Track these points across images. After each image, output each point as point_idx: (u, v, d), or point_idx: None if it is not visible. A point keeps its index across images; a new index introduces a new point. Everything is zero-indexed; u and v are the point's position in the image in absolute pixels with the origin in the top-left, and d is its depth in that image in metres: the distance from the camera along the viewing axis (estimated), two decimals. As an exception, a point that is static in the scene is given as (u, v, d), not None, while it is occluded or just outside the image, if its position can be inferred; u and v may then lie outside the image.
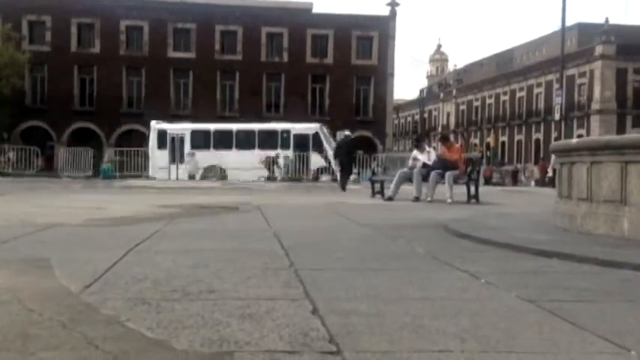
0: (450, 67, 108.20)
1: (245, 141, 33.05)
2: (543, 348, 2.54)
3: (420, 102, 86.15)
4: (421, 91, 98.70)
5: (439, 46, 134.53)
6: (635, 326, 2.93)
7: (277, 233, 6.52)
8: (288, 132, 33.65)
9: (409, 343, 2.57)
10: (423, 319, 2.95)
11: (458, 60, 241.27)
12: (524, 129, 60.48)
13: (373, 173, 17.58)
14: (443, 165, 13.35)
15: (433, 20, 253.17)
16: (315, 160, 32.69)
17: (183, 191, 17.74)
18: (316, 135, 33.14)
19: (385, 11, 50.29)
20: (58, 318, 2.84)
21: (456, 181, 13.29)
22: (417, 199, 13.12)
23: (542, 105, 56.60)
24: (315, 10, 49.87)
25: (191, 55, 47.90)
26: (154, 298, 3.28)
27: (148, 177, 31.38)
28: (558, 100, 29.40)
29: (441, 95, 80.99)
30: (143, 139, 42.12)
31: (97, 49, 47.47)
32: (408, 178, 13.88)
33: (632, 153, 6.11)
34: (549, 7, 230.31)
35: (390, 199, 13.40)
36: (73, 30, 47.15)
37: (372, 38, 49.49)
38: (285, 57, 48.75)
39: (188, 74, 47.96)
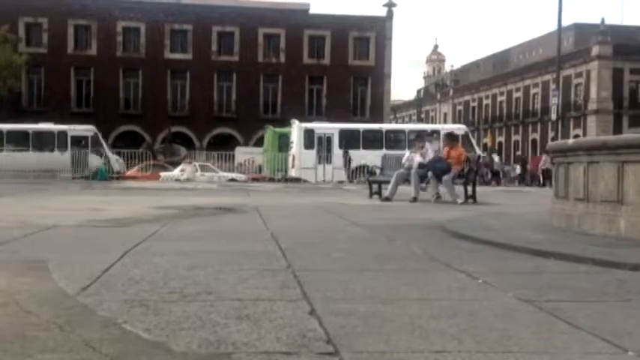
0: (447, 67, 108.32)
1: (395, 141, 32.05)
2: (540, 348, 2.55)
3: (417, 103, 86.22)
4: (418, 91, 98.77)
5: (436, 47, 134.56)
6: (632, 326, 2.94)
7: (275, 234, 6.52)
8: (437, 132, 33.32)
9: (406, 343, 2.57)
10: (420, 319, 2.96)
11: (455, 60, 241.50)
12: (521, 129, 60.57)
13: (371, 174, 17.58)
14: (439, 165, 13.36)
15: (430, 21, 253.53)
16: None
17: (182, 192, 17.72)
18: (466, 135, 32.04)
19: (382, 12, 50.41)
20: (56, 320, 2.84)
21: (454, 181, 13.33)
22: (414, 199, 13.14)
23: (538, 105, 56.69)
24: (312, 10, 49.95)
25: (188, 56, 47.91)
26: (151, 300, 3.28)
27: (288, 178, 31.04)
28: (555, 101, 29.44)
29: (438, 96, 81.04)
30: (141, 141, 42.21)
31: (93, 50, 47.47)
32: (405, 179, 13.89)
33: (629, 153, 6.12)
34: (546, 8, 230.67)
35: (388, 199, 13.41)
36: (70, 32, 47.14)
37: (369, 39, 49.56)
38: (282, 58, 48.78)
39: (185, 75, 47.97)
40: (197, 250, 5.29)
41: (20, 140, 34.46)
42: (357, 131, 33.32)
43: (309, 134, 32.73)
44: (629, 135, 10.40)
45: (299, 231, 7.09)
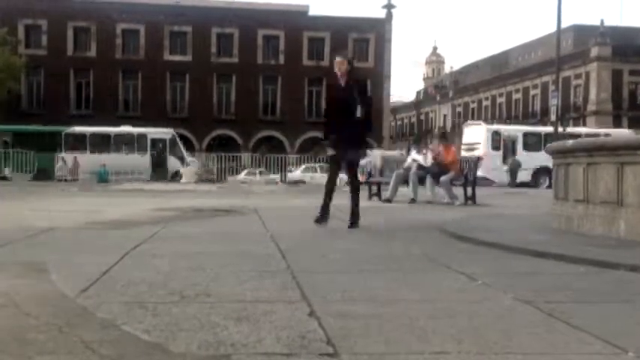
0: (447, 69, 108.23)
1: None
2: (540, 349, 2.55)
3: (417, 104, 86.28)
4: (418, 93, 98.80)
5: (435, 48, 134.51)
6: (631, 327, 2.94)
7: (274, 236, 6.52)
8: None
9: (406, 344, 2.57)
10: (419, 320, 2.96)
11: (454, 62, 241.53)
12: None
13: (369, 175, 17.57)
14: (438, 169, 13.38)
15: (429, 22, 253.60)
16: None
17: (181, 194, 17.72)
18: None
19: (381, 14, 50.47)
20: (55, 322, 2.84)
21: (452, 182, 13.34)
22: (413, 200, 13.14)
23: (538, 106, 56.70)
24: (312, 12, 49.97)
25: (187, 58, 47.93)
26: (150, 302, 3.28)
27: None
28: (554, 102, 29.39)
29: (438, 97, 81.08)
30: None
31: (93, 52, 47.50)
32: (404, 179, 13.89)
33: (628, 154, 6.13)
34: (545, 9, 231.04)
35: (389, 200, 13.41)
36: (69, 33, 47.17)
37: (368, 40, 49.60)
38: (282, 59, 48.81)
39: (184, 77, 47.99)
40: (196, 251, 5.29)
41: (102, 142, 35.17)
42: (538, 134, 34.00)
43: (495, 136, 33.61)
44: (628, 136, 10.40)
45: (298, 232, 7.09)
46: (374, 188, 15.07)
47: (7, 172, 32.78)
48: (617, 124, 49.65)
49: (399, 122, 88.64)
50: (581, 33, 59.20)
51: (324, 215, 7.70)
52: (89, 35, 47.59)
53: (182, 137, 46.57)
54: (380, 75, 49.41)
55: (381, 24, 49.83)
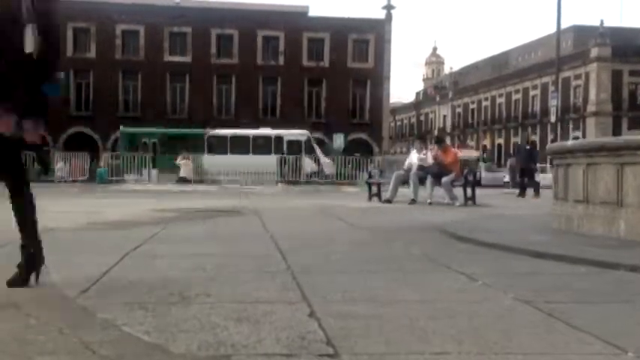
0: (446, 69, 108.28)
1: None
2: (540, 349, 2.55)
3: (416, 105, 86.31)
4: (417, 93, 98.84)
5: (435, 49, 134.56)
6: (631, 327, 2.94)
7: (274, 236, 6.52)
8: None
9: (406, 345, 2.57)
10: (420, 321, 2.96)
11: (454, 62, 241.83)
12: (520, 131, 60.60)
13: (370, 176, 17.60)
14: (438, 170, 13.39)
15: (429, 23, 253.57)
16: None
17: (181, 195, 17.72)
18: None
19: (381, 14, 50.47)
20: (55, 322, 2.84)
21: (452, 183, 13.35)
22: (413, 201, 13.15)
23: (538, 107, 56.76)
24: (311, 13, 49.98)
25: (187, 58, 47.93)
26: (150, 302, 3.28)
27: None
28: (554, 103, 29.40)
29: (437, 98, 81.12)
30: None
31: (92, 53, 47.48)
32: (404, 180, 13.90)
33: (628, 154, 6.13)
34: (545, 10, 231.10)
35: (389, 201, 13.43)
36: (69, 34, 47.11)
37: (368, 41, 49.59)
38: (281, 60, 48.81)
39: (184, 78, 47.99)
40: (197, 252, 5.29)
41: (242, 145, 35.77)
42: None
43: None
44: (628, 137, 10.42)
45: (298, 233, 7.09)
46: (374, 189, 15.08)
47: (153, 174, 32.81)
48: (617, 124, 49.71)
49: (398, 123, 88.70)
50: (581, 33, 59.26)
51: None
52: (89, 36, 47.59)
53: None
54: (380, 76, 49.42)
55: (380, 25, 49.83)
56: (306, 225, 8.29)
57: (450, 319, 2.99)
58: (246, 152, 35.36)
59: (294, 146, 35.86)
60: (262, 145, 36.08)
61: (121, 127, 38.41)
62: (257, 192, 21.13)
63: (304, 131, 37.37)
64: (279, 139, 36.50)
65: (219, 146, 36.05)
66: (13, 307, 3.14)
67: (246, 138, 36.67)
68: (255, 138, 36.91)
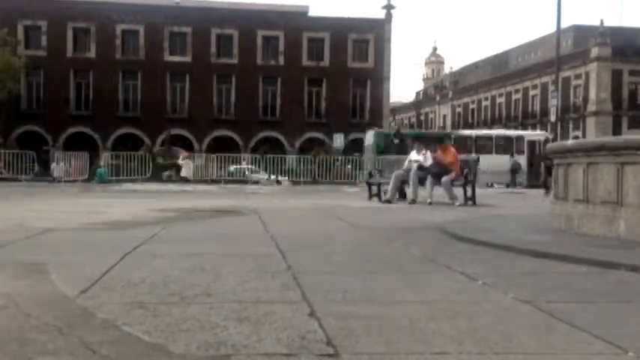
0: (446, 69, 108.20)
1: None
2: (540, 349, 2.55)
3: (416, 104, 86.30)
4: (417, 93, 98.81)
5: (435, 49, 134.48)
6: (632, 327, 2.94)
7: (274, 236, 6.52)
8: None
9: (406, 345, 2.57)
10: (420, 321, 2.95)
11: (454, 62, 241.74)
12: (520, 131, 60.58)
13: (370, 176, 17.59)
14: (438, 170, 13.39)
15: (429, 23, 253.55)
16: None
17: (181, 195, 17.72)
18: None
19: (381, 14, 50.41)
20: (55, 322, 2.84)
21: (452, 183, 13.35)
22: (413, 201, 13.15)
23: (538, 107, 56.71)
24: (311, 13, 49.95)
25: (187, 58, 47.89)
26: (150, 302, 3.28)
27: None
28: (554, 102, 29.37)
29: (437, 97, 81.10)
30: (140, 143, 42.08)
31: (92, 53, 47.45)
32: (403, 180, 13.90)
33: (628, 154, 6.13)
34: (545, 10, 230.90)
35: (389, 201, 13.42)
36: (69, 34, 47.12)
37: (368, 41, 49.55)
38: (281, 60, 48.78)
39: (184, 78, 47.96)
40: (197, 252, 5.29)
41: (485, 144, 36.50)
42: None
43: None
44: (628, 136, 10.42)
45: (298, 233, 7.09)
46: (374, 189, 15.08)
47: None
48: (617, 124, 49.66)
49: (398, 123, 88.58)
50: (581, 33, 59.15)
51: None
52: (89, 36, 47.54)
53: (182, 138, 46.70)
54: (380, 76, 49.39)
55: (380, 25, 49.79)
56: (306, 225, 8.29)
57: (450, 319, 2.99)
58: (489, 152, 35.38)
59: (535, 147, 36.31)
60: (503, 146, 36.59)
61: (375, 130, 38.52)
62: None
63: (543, 132, 38.30)
64: (520, 139, 37.25)
65: (464, 146, 35.71)
66: (13, 307, 3.14)
67: (489, 138, 37.59)
68: (497, 138, 37.77)
